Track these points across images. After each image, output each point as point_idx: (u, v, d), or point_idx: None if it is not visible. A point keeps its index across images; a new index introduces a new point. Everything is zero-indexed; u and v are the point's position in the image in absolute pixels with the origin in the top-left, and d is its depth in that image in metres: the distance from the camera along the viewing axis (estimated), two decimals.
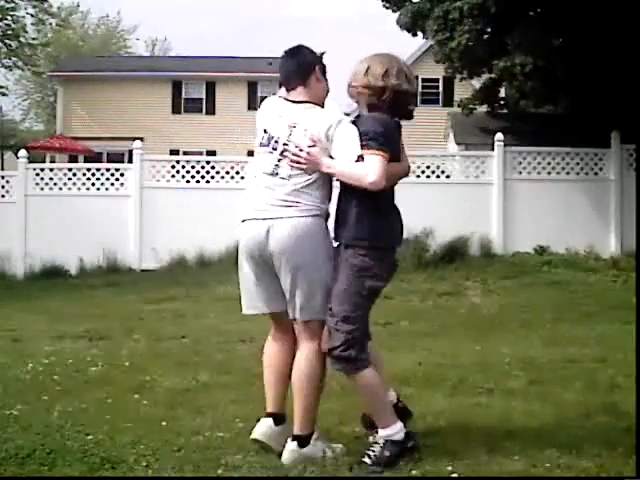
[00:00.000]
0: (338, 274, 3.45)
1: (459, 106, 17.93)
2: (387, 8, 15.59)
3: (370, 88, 3.51)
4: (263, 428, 3.58)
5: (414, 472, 3.35)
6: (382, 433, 3.45)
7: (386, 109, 3.51)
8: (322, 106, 3.65)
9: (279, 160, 3.51)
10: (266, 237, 3.45)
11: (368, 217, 3.47)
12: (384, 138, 3.41)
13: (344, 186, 3.52)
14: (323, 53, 3.75)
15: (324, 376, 3.56)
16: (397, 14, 15.34)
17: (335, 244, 3.57)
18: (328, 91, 3.74)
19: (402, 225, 3.61)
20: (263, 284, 3.57)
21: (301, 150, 3.44)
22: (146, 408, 4.52)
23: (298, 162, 3.44)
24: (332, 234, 3.58)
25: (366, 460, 3.42)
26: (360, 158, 3.40)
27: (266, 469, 3.42)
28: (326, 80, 3.71)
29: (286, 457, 3.46)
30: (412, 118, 3.64)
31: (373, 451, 3.43)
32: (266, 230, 3.46)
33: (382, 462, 3.39)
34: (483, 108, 16.29)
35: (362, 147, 3.39)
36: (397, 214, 3.59)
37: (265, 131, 3.62)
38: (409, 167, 3.71)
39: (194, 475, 3.38)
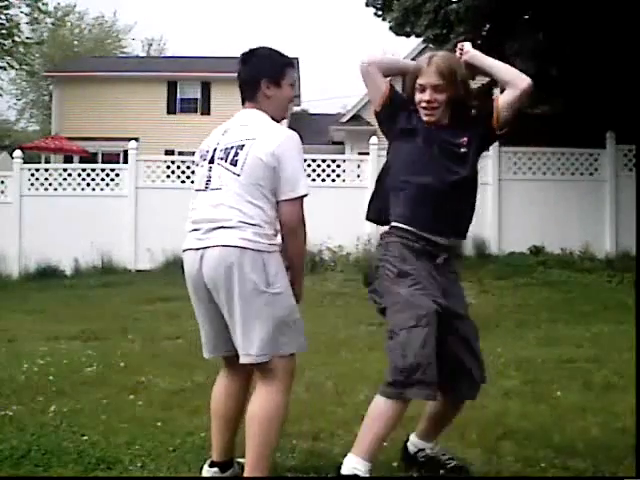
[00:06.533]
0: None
1: None
2: (378, 16, 14.94)
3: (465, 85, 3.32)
4: (209, 474, 3.24)
5: (411, 472, 3.36)
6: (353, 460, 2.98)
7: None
8: (278, 120, 3.21)
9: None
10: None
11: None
12: None
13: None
14: (289, 62, 3.28)
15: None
16: (390, 21, 15.12)
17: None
18: (287, 104, 3.29)
19: None
20: None
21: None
22: (141, 408, 4.51)
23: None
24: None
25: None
26: (300, 199, 3.02)
27: None
28: (286, 88, 3.24)
29: None
30: None
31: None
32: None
33: None
34: None
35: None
36: None
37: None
38: None
39: (189, 475, 3.38)
